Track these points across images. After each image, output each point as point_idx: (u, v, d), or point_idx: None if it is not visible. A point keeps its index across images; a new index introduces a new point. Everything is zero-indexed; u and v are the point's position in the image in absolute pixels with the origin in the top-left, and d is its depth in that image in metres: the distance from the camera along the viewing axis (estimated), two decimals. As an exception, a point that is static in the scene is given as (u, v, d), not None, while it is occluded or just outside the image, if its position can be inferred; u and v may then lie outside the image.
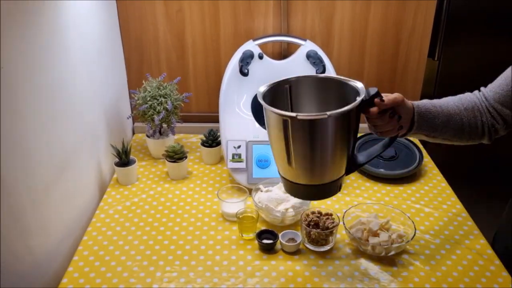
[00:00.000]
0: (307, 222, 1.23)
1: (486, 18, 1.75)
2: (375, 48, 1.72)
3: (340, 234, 1.27)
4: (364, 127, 1.82)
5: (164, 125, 1.64)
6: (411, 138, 1.70)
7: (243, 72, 1.45)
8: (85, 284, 1.11)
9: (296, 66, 1.52)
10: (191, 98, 1.75)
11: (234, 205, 1.31)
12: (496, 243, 1.29)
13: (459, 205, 1.40)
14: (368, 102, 0.95)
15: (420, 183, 1.52)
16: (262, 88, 0.98)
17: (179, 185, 1.50)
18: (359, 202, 1.40)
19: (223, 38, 1.70)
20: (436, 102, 1.08)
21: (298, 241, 1.21)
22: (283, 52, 1.71)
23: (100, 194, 1.46)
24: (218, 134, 1.58)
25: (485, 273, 1.14)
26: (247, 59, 1.47)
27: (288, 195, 1.33)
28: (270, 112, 0.92)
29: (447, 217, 1.35)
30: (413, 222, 1.23)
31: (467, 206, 1.40)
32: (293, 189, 1.03)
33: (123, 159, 1.48)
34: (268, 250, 1.22)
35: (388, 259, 1.18)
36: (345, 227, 1.22)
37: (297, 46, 1.58)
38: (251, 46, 1.54)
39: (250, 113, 1.50)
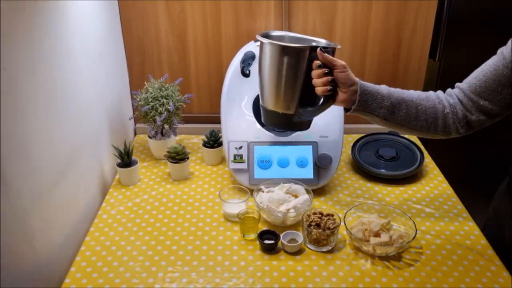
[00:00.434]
0: (308, 223, 1.23)
1: (487, 19, 1.75)
2: (376, 48, 1.73)
3: (341, 235, 1.27)
4: (365, 127, 1.83)
5: (166, 126, 1.65)
6: (412, 139, 1.70)
7: (245, 73, 1.45)
8: (87, 284, 1.11)
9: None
10: (192, 99, 1.76)
11: (235, 205, 1.32)
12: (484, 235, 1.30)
13: (460, 206, 1.41)
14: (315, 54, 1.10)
15: (421, 183, 1.52)
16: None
17: (181, 186, 1.50)
18: (360, 202, 1.40)
19: (224, 39, 1.71)
20: (393, 88, 1.15)
21: (299, 242, 1.22)
22: (285, 53, 1.71)
23: (102, 195, 1.47)
24: (220, 135, 1.59)
25: (486, 274, 1.14)
26: (248, 60, 1.47)
27: (289, 195, 1.34)
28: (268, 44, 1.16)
29: (448, 218, 1.35)
30: (414, 223, 1.23)
31: (468, 207, 1.40)
32: (268, 116, 1.25)
33: (125, 160, 1.49)
34: (270, 250, 1.22)
35: (389, 260, 1.19)
36: (346, 227, 1.23)
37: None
38: (253, 47, 1.54)
39: (252, 114, 1.50)
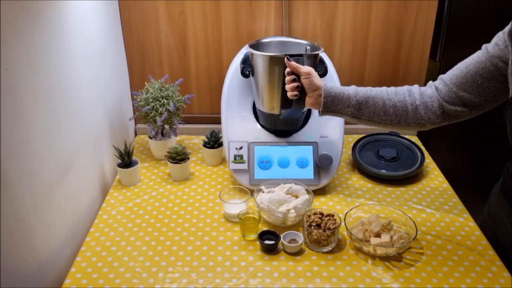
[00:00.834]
0: (308, 223, 1.23)
1: (487, 19, 1.75)
2: (377, 49, 1.72)
3: (342, 235, 1.27)
4: (365, 128, 1.82)
5: (166, 127, 1.65)
6: (412, 139, 1.70)
7: (245, 74, 1.45)
8: (87, 285, 1.11)
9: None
10: (193, 100, 1.76)
11: (236, 206, 1.32)
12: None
13: (461, 206, 1.41)
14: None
15: (422, 184, 1.52)
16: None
17: (181, 186, 1.50)
18: (360, 203, 1.40)
19: (225, 39, 1.71)
20: (363, 87, 1.21)
21: (299, 242, 1.22)
22: (285, 54, 1.72)
23: (103, 195, 1.47)
24: (220, 135, 1.59)
25: (487, 274, 1.14)
26: (248, 60, 1.47)
27: (290, 196, 1.34)
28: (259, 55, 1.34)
29: (448, 218, 1.35)
30: (414, 223, 1.23)
31: (469, 207, 1.40)
32: (261, 116, 1.46)
33: (126, 160, 1.49)
34: (270, 251, 1.22)
35: (390, 260, 1.19)
36: (346, 228, 1.23)
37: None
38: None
39: (252, 114, 1.50)
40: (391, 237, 1.20)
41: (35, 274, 1.07)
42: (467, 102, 1.11)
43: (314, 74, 1.20)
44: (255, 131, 1.48)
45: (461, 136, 1.95)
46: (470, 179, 1.94)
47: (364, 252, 1.21)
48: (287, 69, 1.22)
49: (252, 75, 1.40)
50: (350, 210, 1.30)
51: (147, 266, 1.17)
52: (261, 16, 1.67)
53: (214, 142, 1.59)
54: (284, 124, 1.43)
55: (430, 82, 1.19)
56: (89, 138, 1.37)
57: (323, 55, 1.52)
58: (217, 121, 1.55)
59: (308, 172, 1.44)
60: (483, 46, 1.11)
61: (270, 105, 1.40)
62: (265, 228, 1.28)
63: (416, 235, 1.19)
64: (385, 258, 1.19)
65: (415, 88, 1.19)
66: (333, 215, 1.26)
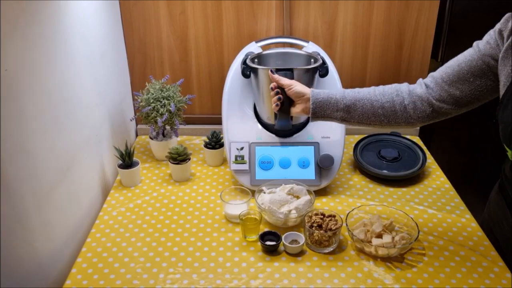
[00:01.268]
0: (310, 224, 1.23)
1: (489, 18, 1.74)
2: (378, 49, 1.72)
3: (343, 236, 1.26)
4: (367, 128, 1.82)
5: (167, 127, 1.64)
6: (414, 139, 1.70)
7: (246, 74, 1.45)
8: (88, 285, 1.11)
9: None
10: (194, 100, 1.76)
11: (237, 206, 1.31)
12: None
13: (463, 207, 1.40)
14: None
15: (424, 184, 1.51)
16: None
17: (182, 187, 1.50)
18: (362, 203, 1.40)
19: (226, 39, 1.71)
20: (350, 89, 1.22)
21: (301, 243, 1.21)
22: (286, 54, 1.71)
23: (104, 196, 1.47)
24: (221, 135, 1.58)
25: (489, 275, 1.14)
26: (249, 68, 1.47)
27: (291, 196, 1.33)
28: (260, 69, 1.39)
29: (450, 219, 1.35)
30: (416, 223, 1.23)
31: (471, 207, 1.40)
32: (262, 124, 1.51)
33: (127, 161, 1.48)
34: (271, 251, 1.22)
35: (391, 261, 1.18)
36: (348, 228, 1.22)
37: (300, 47, 1.58)
38: (254, 47, 1.54)
39: (253, 115, 1.50)
40: (393, 238, 1.20)
41: (36, 274, 1.07)
42: (458, 100, 1.12)
43: (296, 83, 1.23)
44: (256, 131, 1.48)
45: (463, 136, 1.95)
46: (472, 180, 1.93)
47: (366, 253, 1.20)
48: (272, 83, 1.26)
49: (254, 84, 1.44)
50: (352, 210, 1.29)
51: (148, 267, 1.17)
52: (262, 16, 1.66)
53: (215, 142, 1.59)
54: (281, 132, 1.46)
55: (420, 80, 1.19)
56: (89, 139, 1.37)
57: (324, 55, 1.52)
58: (218, 121, 1.55)
59: (310, 173, 1.43)
60: (475, 44, 1.11)
61: (265, 114, 1.46)
62: (266, 229, 1.28)
63: (417, 236, 1.19)
64: (386, 259, 1.19)
65: (404, 86, 1.19)
66: (334, 216, 1.26)
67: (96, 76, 1.42)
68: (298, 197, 1.34)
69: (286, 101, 1.25)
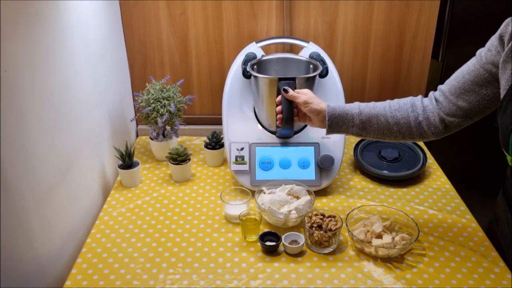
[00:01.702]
0: (310, 224, 1.23)
1: (489, 19, 1.74)
2: (379, 49, 1.72)
3: (343, 236, 1.26)
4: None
5: (168, 128, 1.64)
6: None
7: (246, 75, 1.45)
8: (88, 286, 1.11)
9: (299, 68, 1.53)
10: (194, 100, 1.76)
11: (237, 207, 1.31)
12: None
13: (463, 207, 1.40)
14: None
15: (424, 184, 1.51)
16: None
17: (182, 187, 1.50)
18: (362, 203, 1.40)
19: (226, 40, 1.71)
20: (366, 104, 1.20)
21: (301, 243, 1.21)
22: (286, 54, 1.71)
23: (104, 196, 1.47)
24: (222, 136, 1.58)
25: (489, 275, 1.13)
26: (250, 61, 1.47)
27: (291, 197, 1.33)
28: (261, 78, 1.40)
29: (451, 219, 1.34)
30: (416, 224, 1.22)
31: (471, 208, 1.39)
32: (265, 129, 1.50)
33: (127, 161, 1.48)
34: (271, 252, 1.21)
35: (392, 261, 1.18)
36: (348, 229, 1.22)
37: (300, 47, 1.58)
38: (254, 48, 1.54)
39: (253, 115, 1.50)
40: (393, 238, 1.19)
41: (36, 275, 1.07)
42: (467, 111, 1.10)
43: (312, 100, 1.21)
44: (257, 132, 1.48)
45: (463, 136, 1.94)
46: (472, 180, 1.93)
47: (366, 253, 1.20)
48: (279, 97, 1.25)
49: (254, 90, 1.45)
50: (352, 211, 1.29)
51: (147, 267, 1.17)
52: (262, 16, 1.66)
53: (215, 143, 1.59)
54: (283, 138, 1.48)
55: (431, 94, 1.18)
56: (90, 139, 1.37)
57: (324, 55, 1.52)
58: (219, 122, 1.55)
59: (310, 173, 1.43)
60: (478, 52, 1.10)
61: (266, 121, 1.47)
62: (266, 229, 1.28)
63: (418, 236, 1.19)
64: (386, 260, 1.18)
65: (418, 102, 1.17)
66: (334, 216, 1.25)
67: (96, 76, 1.42)
68: (298, 198, 1.34)
69: (291, 113, 1.25)
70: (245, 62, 1.47)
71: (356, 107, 1.19)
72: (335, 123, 1.19)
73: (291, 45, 1.67)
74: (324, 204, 1.41)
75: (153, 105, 1.54)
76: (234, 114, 1.49)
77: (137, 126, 1.84)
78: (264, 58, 1.51)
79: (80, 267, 1.17)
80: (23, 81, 0.99)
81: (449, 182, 1.52)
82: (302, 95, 1.22)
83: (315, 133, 1.47)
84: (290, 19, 1.66)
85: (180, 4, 1.65)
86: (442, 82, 1.82)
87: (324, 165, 1.43)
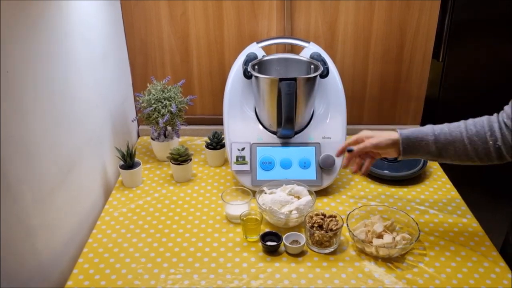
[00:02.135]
0: (311, 224, 1.23)
1: (490, 19, 1.74)
2: (379, 49, 1.72)
3: (344, 236, 1.26)
4: (368, 128, 1.82)
5: (169, 128, 1.65)
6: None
7: (247, 75, 1.45)
8: (90, 286, 1.11)
9: (300, 68, 1.54)
10: (195, 101, 1.76)
11: (238, 207, 1.31)
12: (507, 248, 1.28)
13: (464, 207, 1.40)
14: None
15: (425, 184, 1.51)
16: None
17: (183, 188, 1.50)
18: (363, 203, 1.40)
19: (227, 40, 1.71)
20: (440, 128, 1.15)
21: (302, 243, 1.21)
22: (287, 54, 1.71)
23: (105, 196, 1.47)
24: (223, 136, 1.58)
25: (490, 275, 1.14)
26: (251, 61, 1.47)
27: (292, 197, 1.33)
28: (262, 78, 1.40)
29: (452, 219, 1.34)
30: (417, 224, 1.22)
31: (472, 208, 1.40)
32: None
33: (128, 161, 1.49)
34: (272, 252, 1.22)
35: (392, 261, 1.18)
36: (349, 229, 1.22)
37: (301, 48, 1.58)
38: (255, 48, 1.54)
39: (254, 116, 1.50)
40: (394, 238, 1.20)
41: (37, 275, 1.07)
42: None
43: (379, 138, 1.19)
44: (257, 132, 1.48)
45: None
46: (473, 180, 1.93)
47: (367, 253, 1.20)
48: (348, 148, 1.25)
49: (255, 91, 1.45)
50: (353, 211, 1.29)
51: (149, 267, 1.17)
52: (263, 16, 1.67)
53: (216, 143, 1.59)
54: (283, 138, 1.47)
55: (500, 119, 1.11)
56: (91, 140, 1.37)
57: (325, 56, 1.52)
58: (220, 122, 1.55)
59: (311, 173, 1.44)
60: None
61: (267, 122, 1.47)
62: (267, 229, 1.28)
63: (418, 236, 1.19)
64: (387, 259, 1.19)
65: (495, 122, 1.10)
66: (335, 216, 1.26)
67: (97, 77, 1.43)
68: (299, 198, 1.34)
69: (292, 112, 1.26)
70: (246, 63, 1.47)
71: (430, 132, 1.15)
72: (409, 150, 1.17)
73: (292, 45, 1.67)
74: (325, 204, 1.42)
75: (154, 105, 1.54)
76: (235, 114, 1.49)
77: (138, 126, 1.85)
78: (265, 58, 1.51)
79: (82, 267, 1.17)
80: (25, 81, 0.99)
81: (450, 182, 1.52)
82: (366, 140, 1.20)
83: (315, 133, 1.47)
84: (291, 19, 1.67)
85: (181, 4, 1.65)
86: (443, 82, 1.84)
87: (325, 165, 1.43)
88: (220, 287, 1.11)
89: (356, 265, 1.17)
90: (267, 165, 1.44)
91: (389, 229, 1.23)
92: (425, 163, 1.55)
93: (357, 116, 1.83)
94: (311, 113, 1.50)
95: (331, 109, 1.50)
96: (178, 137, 1.64)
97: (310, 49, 1.54)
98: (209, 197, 1.46)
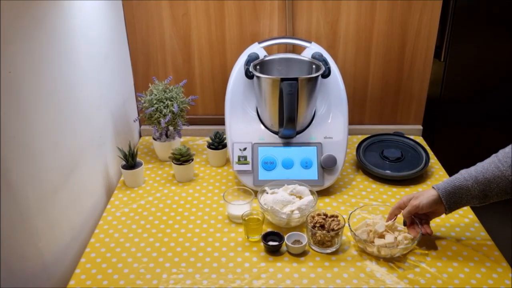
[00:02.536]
0: (312, 224, 1.23)
1: (492, 18, 1.74)
2: (381, 49, 1.72)
3: (346, 236, 1.26)
4: (369, 128, 1.82)
5: (171, 128, 1.65)
6: (417, 140, 1.70)
7: (249, 75, 1.45)
8: (92, 286, 1.12)
9: (301, 68, 1.54)
10: (197, 101, 1.76)
11: (240, 207, 1.32)
12: None
13: (466, 207, 1.39)
14: None
15: (427, 184, 1.51)
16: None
17: (185, 188, 1.51)
18: (365, 203, 1.40)
19: (228, 40, 1.71)
20: (474, 170, 1.15)
21: (303, 243, 1.22)
22: (289, 54, 1.72)
23: (107, 196, 1.47)
24: (224, 136, 1.59)
25: (492, 275, 1.14)
26: (252, 61, 1.47)
27: (293, 197, 1.33)
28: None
29: (453, 219, 1.34)
30: (419, 224, 1.22)
31: (474, 208, 1.39)
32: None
33: (130, 162, 1.49)
34: (274, 252, 1.22)
35: (394, 261, 1.18)
36: (350, 228, 1.22)
37: (303, 48, 1.59)
38: (257, 48, 1.54)
39: (256, 116, 1.50)
40: (395, 238, 1.19)
41: (40, 275, 1.07)
42: None
43: (419, 198, 1.18)
44: (259, 132, 1.48)
45: (466, 136, 1.94)
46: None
47: (368, 253, 1.21)
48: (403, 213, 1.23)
49: (257, 91, 1.46)
50: (354, 211, 1.29)
51: (151, 267, 1.17)
52: (264, 17, 1.67)
53: (218, 143, 1.60)
54: (285, 138, 1.48)
55: None
56: (93, 140, 1.37)
57: (327, 56, 1.52)
58: (221, 122, 1.55)
59: (312, 173, 1.44)
60: None
61: (269, 122, 1.47)
62: (269, 229, 1.28)
63: (420, 236, 1.19)
64: (389, 259, 1.19)
65: None
66: (337, 216, 1.26)
67: (99, 77, 1.43)
68: (300, 198, 1.34)
69: (293, 112, 1.27)
70: (247, 63, 1.48)
71: (467, 177, 1.14)
72: (453, 201, 1.16)
73: (294, 45, 1.67)
74: (327, 204, 1.42)
75: (156, 105, 1.55)
76: (237, 115, 1.49)
77: (140, 126, 1.85)
78: (267, 58, 1.51)
79: (84, 267, 1.17)
80: (27, 82, 0.99)
81: (452, 182, 1.52)
82: (408, 204, 1.20)
83: (317, 133, 1.47)
84: (293, 19, 1.67)
85: (182, 5, 1.65)
86: (444, 82, 1.84)
87: (327, 165, 1.43)
88: (222, 286, 1.11)
89: (358, 265, 1.18)
90: (269, 165, 1.45)
91: (391, 229, 1.23)
92: (426, 162, 1.55)
93: (358, 116, 1.83)
94: (313, 113, 1.50)
95: (332, 109, 1.50)
96: (180, 137, 1.64)
97: (311, 49, 1.54)
98: (211, 197, 1.46)
